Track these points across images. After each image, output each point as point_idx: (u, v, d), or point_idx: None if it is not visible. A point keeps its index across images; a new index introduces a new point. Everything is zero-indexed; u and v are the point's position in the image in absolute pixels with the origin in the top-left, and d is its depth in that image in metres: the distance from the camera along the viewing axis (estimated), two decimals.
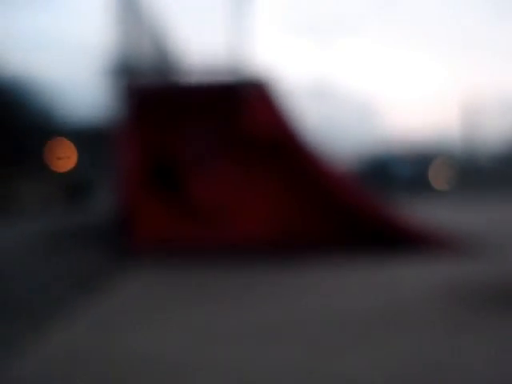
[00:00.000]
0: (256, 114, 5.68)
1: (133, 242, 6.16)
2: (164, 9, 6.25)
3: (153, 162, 6.23)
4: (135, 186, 6.41)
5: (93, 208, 16.08)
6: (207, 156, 6.22)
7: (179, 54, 8.85)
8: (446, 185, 23.14)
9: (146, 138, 6.23)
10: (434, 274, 4.85)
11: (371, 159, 24.06)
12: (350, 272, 5.03)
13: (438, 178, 22.74)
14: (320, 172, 5.88)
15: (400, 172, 22.21)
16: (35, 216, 13.47)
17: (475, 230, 8.25)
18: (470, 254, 5.70)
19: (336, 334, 3.02)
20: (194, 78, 6.77)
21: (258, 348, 2.78)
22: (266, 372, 2.43)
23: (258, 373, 2.42)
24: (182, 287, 4.59)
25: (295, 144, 5.86)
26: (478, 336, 2.91)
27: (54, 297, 4.12)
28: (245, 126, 5.78)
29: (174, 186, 6.24)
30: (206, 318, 3.43)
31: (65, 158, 19.97)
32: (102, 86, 9.65)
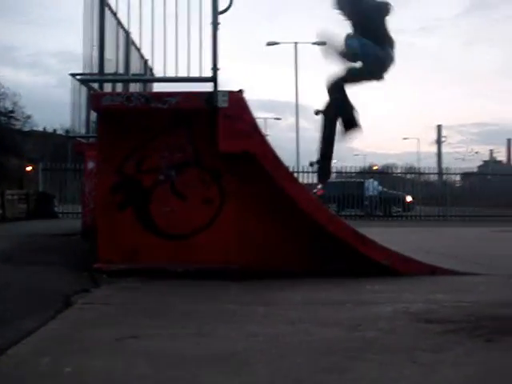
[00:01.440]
0: (232, 123, 5.43)
1: (96, 259, 5.90)
2: (132, 21, 5.97)
3: (117, 176, 5.94)
4: (99, 202, 6.15)
5: (55, 222, 15.71)
6: (174, 172, 5.96)
7: (148, 64, 8.63)
8: (416, 201, 23.27)
9: (111, 151, 5.95)
10: (404, 299, 4.74)
11: (340, 178, 24.11)
12: (318, 293, 4.87)
13: (407, 195, 22.86)
14: (294, 193, 5.65)
15: (370, 189, 22.23)
16: None
17: (443, 250, 8.28)
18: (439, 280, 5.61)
19: (302, 357, 2.88)
20: (163, 89, 6.53)
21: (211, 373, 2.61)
22: None
23: None
24: (139, 308, 4.35)
25: (270, 159, 5.63)
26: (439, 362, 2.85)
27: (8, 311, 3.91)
28: (220, 137, 5.53)
29: (138, 203, 5.96)
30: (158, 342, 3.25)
31: (28, 168, 19.49)
32: (72, 94, 9.45)
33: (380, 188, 22.48)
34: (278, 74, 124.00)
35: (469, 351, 3.14)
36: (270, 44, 33.77)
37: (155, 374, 2.71)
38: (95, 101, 5.89)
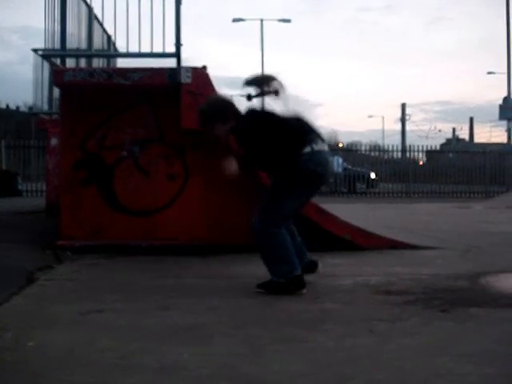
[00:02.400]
0: (196, 99, 5.42)
1: (59, 235, 5.89)
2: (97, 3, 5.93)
3: (80, 153, 5.91)
4: (62, 179, 6.11)
5: (19, 200, 15.52)
6: (138, 149, 5.95)
7: (111, 40, 8.54)
8: (380, 178, 23.51)
9: (74, 128, 5.91)
10: (364, 272, 4.87)
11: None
12: None
13: (371, 172, 23.08)
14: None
15: (334, 166, 22.39)
16: None
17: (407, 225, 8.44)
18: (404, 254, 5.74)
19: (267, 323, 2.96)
20: (126, 65, 6.49)
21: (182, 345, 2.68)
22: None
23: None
24: (103, 284, 4.39)
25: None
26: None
27: None
28: (183, 113, 5.52)
29: (102, 179, 5.95)
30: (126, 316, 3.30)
31: None
32: (34, 70, 9.30)
33: (344, 165, 22.65)
34: (244, 51, 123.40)
35: (424, 321, 3.25)
36: (235, 20, 33.59)
37: (118, 347, 2.76)
38: (57, 76, 5.82)
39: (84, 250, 5.62)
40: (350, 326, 3.16)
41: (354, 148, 27.51)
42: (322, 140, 4.09)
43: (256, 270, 4.66)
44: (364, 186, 22.83)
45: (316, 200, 6.38)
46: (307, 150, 3.94)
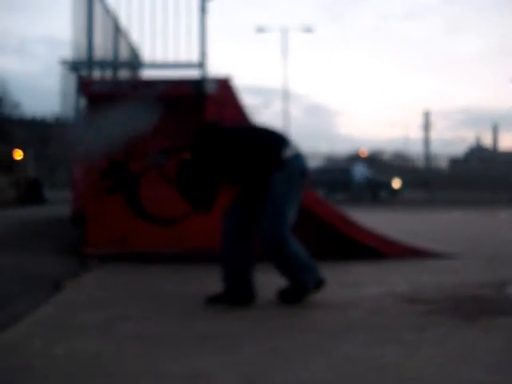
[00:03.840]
0: (221, 109, 5.46)
1: (85, 243, 5.96)
2: (121, 6, 6.00)
3: (107, 162, 5.99)
4: (89, 187, 6.19)
5: (45, 208, 15.71)
6: (164, 158, 6.00)
7: (137, 50, 8.63)
8: (403, 186, 23.40)
9: None
10: (389, 280, 4.86)
11: (327, 162, 24.20)
12: None
13: (395, 179, 22.98)
14: None
15: (357, 174, 22.34)
16: None
17: (432, 235, 8.39)
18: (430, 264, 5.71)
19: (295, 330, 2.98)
20: (152, 75, 6.56)
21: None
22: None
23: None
24: (129, 292, 4.43)
25: None
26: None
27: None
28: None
29: (128, 188, 6.02)
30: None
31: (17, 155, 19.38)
32: (60, 80, 9.41)
33: (368, 173, 22.59)
34: (266, 60, 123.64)
35: (450, 330, 3.24)
36: (258, 30, 33.71)
37: (145, 355, 2.79)
38: (85, 87, 5.92)
39: (110, 257, 5.68)
40: (376, 335, 3.16)
41: (377, 156, 27.39)
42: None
43: (278, 279, 4.69)
44: (387, 195, 22.74)
45: (340, 208, 6.41)
46: (291, 152, 3.90)
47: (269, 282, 4.56)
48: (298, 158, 3.97)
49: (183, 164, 4.00)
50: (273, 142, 3.97)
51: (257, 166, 3.89)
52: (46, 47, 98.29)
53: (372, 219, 9.12)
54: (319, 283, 3.94)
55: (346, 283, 4.56)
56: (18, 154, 20.14)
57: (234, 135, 4.04)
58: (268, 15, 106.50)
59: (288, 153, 3.89)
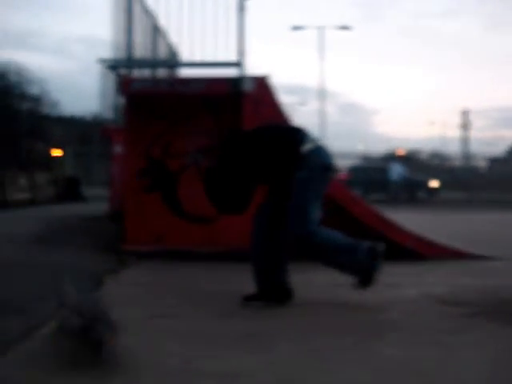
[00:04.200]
0: (258, 108, 5.47)
1: (123, 240, 6.03)
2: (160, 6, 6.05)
3: (145, 160, 6.05)
4: (127, 185, 6.26)
5: (83, 205, 15.93)
6: (201, 156, 6.04)
7: (175, 49, 8.69)
8: (441, 186, 23.11)
9: (139, 136, 6.05)
10: (428, 282, 4.81)
11: (363, 162, 24.03)
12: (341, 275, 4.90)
13: (433, 179, 22.70)
14: None
15: (394, 174, 22.13)
16: (24, 208, 13.33)
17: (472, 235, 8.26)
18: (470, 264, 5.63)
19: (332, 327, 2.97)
20: (190, 74, 6.60)
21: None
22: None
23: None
24: (166, 289, 4.46)
25: None
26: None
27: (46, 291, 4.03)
28: (245, 121, 5.57)
29: (165, 186, 6.07)
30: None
31: (56, 153, 19.70)
32: (99, 79, 9.54)
33: (405, 172, 22.36)
34: (302, 58, 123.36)
35: (490, 333, 3.19)
36: (295, 28, 33.62)
37: (182, 352, 2.80)
38: (124, 86, 5.98)
39: (147, 254, 5.74)
40: (415, 336, 3.12)
41: (414, 156, 27.08)
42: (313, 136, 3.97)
43: (315, 278, 4.68)
44: (424, 195, 22.48)
45: (377, 208, 6.36)
46: (309, 146, 3.79)
47: (306, 280, 4.56)
48: (320, 151, 3.85)
49: (209, 172, 4.02)
50: (290, 137, 3.90)
51: (277, 164, 3.83)
52: (84, 46, 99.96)
53: (409, 220, 9.01)
54: (374, 252, 3.73)
55: (383, 284, 4.49)
56: (57, 152, 20.47)
57: (253, 137, 4.01)
58: (304, 14, 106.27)
59: (307, 147, 3.79)
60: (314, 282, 4.62)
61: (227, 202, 4.00)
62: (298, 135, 3.89)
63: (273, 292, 3.85)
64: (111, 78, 9.49)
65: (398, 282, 4.67)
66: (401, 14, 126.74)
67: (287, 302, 3.85)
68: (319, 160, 3.81)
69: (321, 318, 3.55)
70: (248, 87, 5.64)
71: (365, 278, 3.75)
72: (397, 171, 22.26)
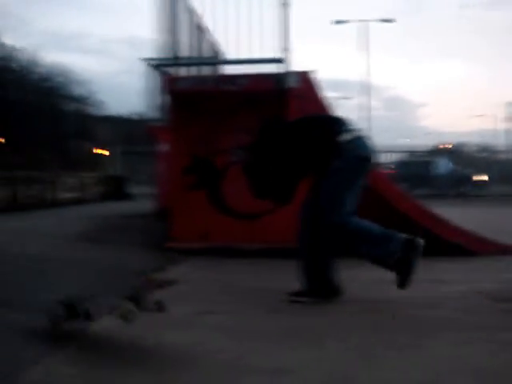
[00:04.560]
0: (303, 104, 5.45)
1: (170, 237, 6.09)
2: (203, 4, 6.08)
3: (190, 158, 6.09)
4: (173, 183, 6.32)
5: (129, 203, 16.15)
6: (245, 152, 6.04)
7: (218, 47, 8.72)
8: (490, 180, 22.63)
9: (184, 134, 6.10)
10: (478, 278, 4.74)
11: (409, 156, 23.70)
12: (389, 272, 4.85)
13: (480, 172, 22.26)
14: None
15: (441, 168, 21.80)
16: (73, 207, 13.59)
17: None
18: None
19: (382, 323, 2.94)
20: (233, 71, 6.62)
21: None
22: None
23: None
24: (213, 285, 4.49)
25: None
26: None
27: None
28: (290, 117, 5.56)
29: (210, 184, 6.11)
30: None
31: (102, 152, 20.01)
32: (143, 79, 9.65)
33: (451, 167, 21.99)
34: (343, 52, 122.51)
35: None
36: (338, 22, 33.39)
37: (230, 349, 2.81)
38: (169, 84, 6.04)
39: (193, 252, 5.79)
40: (465, 334, 3.06)
41: (462, 149, 26.60)
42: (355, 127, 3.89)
43: (361, 274, 4.64)
44: (471, 189, 22.08)
45: (423, 203, 6.27)
46: (347, 137, 3.72)
47: (351, 277, 4.52)
48: (359, 141, 3.77)
49: (248, 164, 4.04)
50: (328, 127, 3.85)
51: (315, 154, 3.78)
52: (128, 46, 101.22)
53: (456, 215, 8.87)
54: (409, 244, 3.63)
55: (431, 280, 4.45)
56: (103, 152, 20.79)
57: (292, 125, 4.01)
58: (346, 8, 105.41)
59: (346, 137, 3.72)
60: (360, 278, 4.57)
61: (268, 190, 4.02)
62: (336, 125, 3.84)
63: (321, 288, 3.83)
64: (155, 77, 9.63)
65: (447, 279, 4.60)
66: (445, 5, 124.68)
67: (335, 298, 3.83)
68: (357, 151, 3.75)
69: (369, 314, 3.52)
70: (293, 83, 5.63)
71: (401, 273, 3.63)
72: (443, 165, 21.92)
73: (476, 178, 22.38)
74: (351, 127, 3.83)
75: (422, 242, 3.65)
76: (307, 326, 3.25)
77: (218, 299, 3.96)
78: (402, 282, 3.62)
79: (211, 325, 3.29)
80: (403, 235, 3.66)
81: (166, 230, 6.31)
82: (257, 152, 3.97)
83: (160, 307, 3.01)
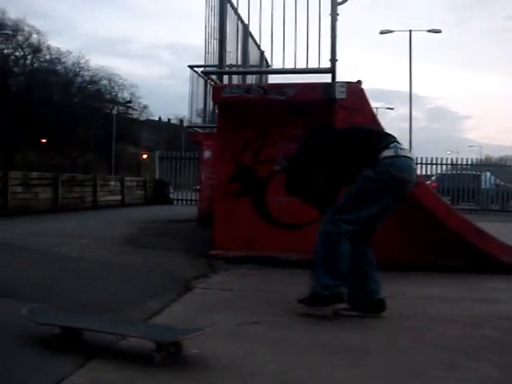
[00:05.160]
0: (351, 115, 5.42)
1: (213, 245, 6.10)
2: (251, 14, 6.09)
3: (235, 166, 6.10)
4: (217, 190, 6.34)
5: (170, 208, 16.26)
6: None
7: (264, 56, 8.75)
8: None
9: (230, 142, 6.11)
10: None
11: (452, 169, 23.34)
12: (433, 288, 4.79)
13: None
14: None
15: (485, 182, 21.38)
16: (114, 211, 13.76)
17: None
18: None
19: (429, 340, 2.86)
20: (279, 81, 6.62)
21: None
22: None
23: None
24: (256, 295, 4.47)
25: None
26: None
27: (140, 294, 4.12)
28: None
29: (255, 192, 6.10)
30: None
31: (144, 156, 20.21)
32: (189, 85, 9.75)
33: (494, 181, 21.54)
34: (386, 63, 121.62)
35: None
36: (383, 32, 33.12)
37: (276, 361, 2.79)
38: (216, 93, 6.06)
39: (236, 260, 5.77)
40: None
41: (506, 163, 26.08)
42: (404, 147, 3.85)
43: (407, 290, 4.57)
44: None
45: (467, 218, 6.15)
46: (389, 153, 3.69)
47: (394, 293, 4.46)
48: (398, 160, 3.70)
49: (292, 159, 4.21)
50: (372, 142, 3.82)
51: (355, 167, 3.76)
52: (170, 52, 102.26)
53: (501, 231, 8.69)
54: (337, 297, 3.71)
55: (479, 299, 4.36)
56: (145, 156, 20.97)
57: (337, 137, 3.97)
58: (392, 19, 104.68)
59: (386, 153, 3.69)
60: (403, 294, 4.51)
61: (308, 195, 4.10)
62: (380, 142, 3.81)
63: (364, 303, 3.79)
64: (201, 84, 9.71)
65: (493, 297, 4.50)
66: (490, 17, 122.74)
67: (378, 313, 3.78)
68: (391, 167, 3.68)
69: (414, 331, 3.46)
70: (340, 94, 5.59)
71: (308, 302, 3.78)
72: (488, 179, 21.51)
73: None
74: (395, 145, 3.77)
75: (344, 308, 3.77)
76: (352, 341, 3.21)
77: (260, 310, 3.94)
78: (303, 301, 3.79)
79: (254, 335, 3.28)
80: (342, 289, 3.71)
81: (209, 237, 6.32)
82: (300, 159, 4.02)
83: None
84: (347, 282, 3.78)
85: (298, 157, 4.06)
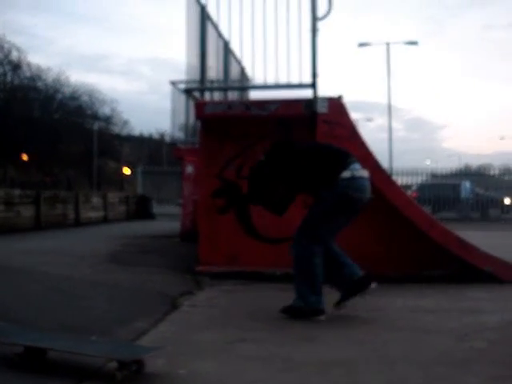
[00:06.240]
0: (332, 129, 5.47)
1: (198, 261, 6.09)
2: (232, 29, 6.11)
3: (219, 181, 6.11)
4: (200, 206, 6.33)
5: (153, 223, 16.19)
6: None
7: (246, 71, 8.78)
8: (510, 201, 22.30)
9: (213, 157, 6.12)
10: (510, 307, 4.59)
11: (432, 179, 23.51)
12: (419, 299, 4.82)
13: (506, 195, 21.93)
14: (393, 195, 5.61)
15: (465, 191, 21.59)
16: (96, 228, 13.65)
17: None
18: None
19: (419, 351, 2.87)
20: (260, 96, 6.64)
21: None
22: None
23: None
24: (243, 311, 4.46)
25: (371, 162, 5.54)
26: None
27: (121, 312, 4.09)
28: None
29: (239, 207, 6.11)
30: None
31: (126, 171, 20.15)
32: (170, 100, 9.75)
33: (476, 189, 21.76)
34: (366, 74, 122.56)
35: None
36: (361, 45, 33.39)
37: (266, 380, 2.79)
38: (199, 109, 6.06)
39: (221, 275, 5.77)
40: (503, 368, 3.01)
41: (484, 172, 26.35)
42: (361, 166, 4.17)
43: (393, 302, 4.58)
44: (497, 213, 21.80)
45: (448, 227, 6.20)
46: (346, 174, 4.02)
47: (384, 305, 4.48)
48: (354, 181, 4.04)
49: (257, 165, 4.53)
50: (333, 161, 4.13)
51: (311, 183, 4.15)
52: (151, 67, 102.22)
53: (483, 240, 8.76)
54: (317, 311, 4.03)
55: (464, 309, 4.39)
56: (127, 171, 20.89)
57: (301, 152, 4.26)
58: (370, 31, 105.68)
59: (344, 175, 4.01)
60: (390, 306, 4.53)
61: (265, 200, 4.55)
62: (340, 162, 4.11)
63: (350, 287, 4.11)
64: (182, 99, 9.71)
65: (478, 307, 4.53)
66: (467, 27, 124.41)
67: (367, 288, 4.09)
68: (348, 189, 4.02)
69: (402, 345, 3.47)
70: (321, 108, 5.63)
71: (287, 311, 4.13)
72: (467, 188, 21.72)
73: (503, 201, 22.07)
74: (353, 166, 4.07)
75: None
76: (342, 356, 3.20)
77: (247, 326, 3.94)
78: (285, 311, 4.13)
79: (242, 353, 3.27)
80: (323, 307, 4.05)
81: (194, 253, 6.31)
82: (262, 173, 4.40)
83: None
84: (328, 281, 4.18)
85: (260, 170, 4.42)
